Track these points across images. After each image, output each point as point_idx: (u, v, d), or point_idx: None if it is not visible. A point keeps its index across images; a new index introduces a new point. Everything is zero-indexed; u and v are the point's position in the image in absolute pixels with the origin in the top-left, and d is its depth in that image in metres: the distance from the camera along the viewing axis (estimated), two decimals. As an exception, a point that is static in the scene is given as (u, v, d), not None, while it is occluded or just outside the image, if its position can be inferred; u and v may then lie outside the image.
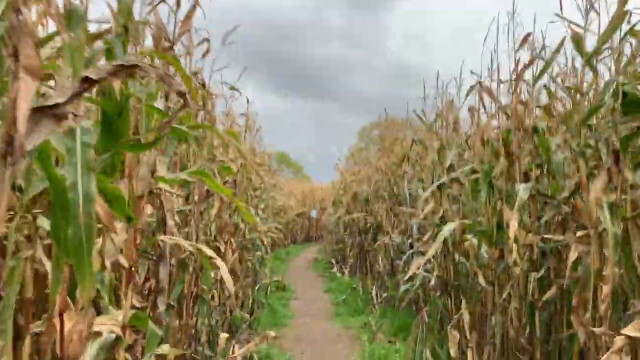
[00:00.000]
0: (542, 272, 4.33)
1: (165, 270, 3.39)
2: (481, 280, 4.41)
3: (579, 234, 3.47)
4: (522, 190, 4.12)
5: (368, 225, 10.68)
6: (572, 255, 3.47)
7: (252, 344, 4.64)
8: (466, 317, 4.59)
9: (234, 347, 5.61)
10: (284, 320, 8.26)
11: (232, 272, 6.10)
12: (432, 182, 6.24)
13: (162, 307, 3.30)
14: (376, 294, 9.25)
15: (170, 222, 3.40)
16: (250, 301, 8.26)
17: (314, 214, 27.55)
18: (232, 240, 6.23)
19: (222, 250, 5.82)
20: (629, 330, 2.60)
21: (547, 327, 4.56)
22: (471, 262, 4.60)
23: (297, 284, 12.67)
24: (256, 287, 9.61)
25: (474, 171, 4.84)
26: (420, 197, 7.38)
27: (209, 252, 3.07)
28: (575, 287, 3.53)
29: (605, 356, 2.59)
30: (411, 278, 6.16)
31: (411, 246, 7.76)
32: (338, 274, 13.52)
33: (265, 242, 9.00)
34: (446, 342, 4.97)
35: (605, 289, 3.16)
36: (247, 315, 6.96)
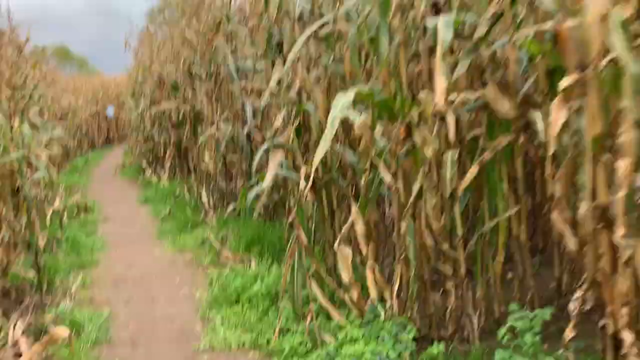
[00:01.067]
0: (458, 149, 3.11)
1: None
2: (385, 174, 3.03)
3: (566, 81, 2.18)
4: (443, 27, 2.68)
5: (182, 116, 8.62)
6: (557, 118, 2.20)
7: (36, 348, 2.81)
8: (359, 227, 3.25)
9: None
10: (91, 256, 6.19)
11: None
12: (272, 47, 4.53)
13: None
14: (208, 200, 7.59)
15: None
16: (36, 243, 5.97)
17: (110, 112, 23.75)
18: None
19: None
20: None
21: (469, 222, 3.50)
22: (365, 151, 3.15)
23: (105, 200, 10.29)
24: (46, 218, 7.20)
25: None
26: (256, 70, 5.65)
27: None
28: (554, 165, 2.33)
29: None
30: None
31: (249, 137, 6.12)
32: (154, 179, 11.39)
33: (43, 158, 6.50)
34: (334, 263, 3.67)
35: (623, 165, 1.97)
36: (31, 273, 4.76)
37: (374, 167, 3.08)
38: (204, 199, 7.59)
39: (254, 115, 6.01)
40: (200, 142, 7.71)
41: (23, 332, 3.97)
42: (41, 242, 6.01)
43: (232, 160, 6.56)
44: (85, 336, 3.87)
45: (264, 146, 3.79)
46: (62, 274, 5.46)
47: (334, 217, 4.06)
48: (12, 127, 6.14)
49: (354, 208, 3.27)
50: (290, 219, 3.88)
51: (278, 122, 4.22)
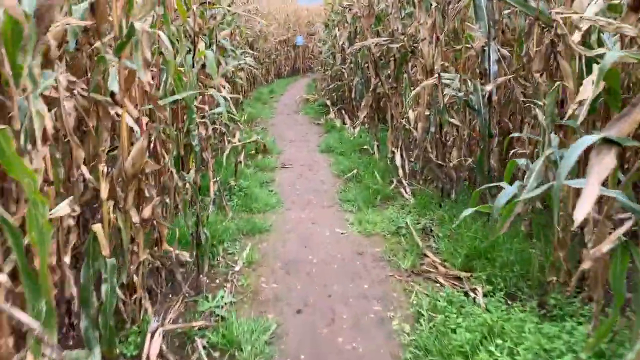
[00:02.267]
0: None
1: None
2: None
3: None
4: None
5: (386, 54, 6.98)
6: None
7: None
8: None
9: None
10: (263, 219, 5.12)
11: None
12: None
13: None
14: (402, 166, 6.04)
15: None
16: (212, 187, 5.06)
17: (299, 40, 23.21)
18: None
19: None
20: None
21: None
22: None
23: (284, 140, 9.40)
24: (224, 153, 6.39)
25: None
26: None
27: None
28: None
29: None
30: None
31: (489, 99, 4.28)
32: (337, 123, 10.19)
33: (223, 92, 5.52)
34: None
35: None
36: (186, 254, 3.69)
37: None
38: (397, 162, 6.05)
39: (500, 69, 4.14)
40: (405, 94, 6.09)
41: (163, 337, 2.93)
42: (211, 191, 5.14)
43: (454, 125, 4.81)
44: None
45: (589, 139, 2.00)
46: (228, 241, 4.45)
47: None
48: (193, 50, 5.15)
49: None
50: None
51: (584, 94, 2.38)
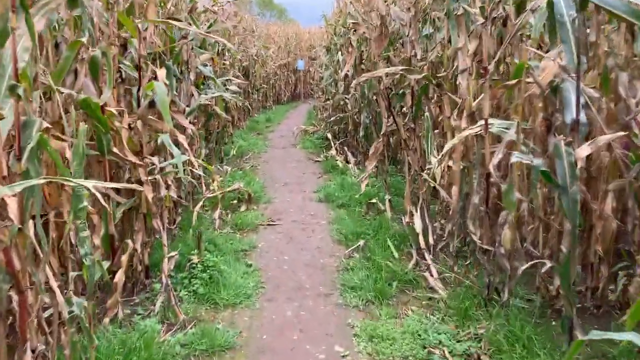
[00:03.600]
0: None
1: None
2: None
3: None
4: None
5: (398, 83, 5.52)
6: None
7: None
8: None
9: None
10: (231, 322, 3.56)
11: None
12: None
13: None
14: (424, 232, 4.52)
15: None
16: (164, 268, 3.57)
17: (300, 65, 21.92)
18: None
19: None
20: None
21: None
22: None
23: (276, 180, 7.91)
24: (192, 208, 4.95)
25: None
26: None
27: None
28: None
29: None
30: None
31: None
32: (339, 161, 8.69)
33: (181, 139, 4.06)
34: None
35: None
36: None
37: None
38: (417, 226, 4.51)
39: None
40: (429, 141, 4.61)
41: None
42: (163, 274, 3.63)
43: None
44: None
45: None
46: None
47: None
48: (138, 81, 3.70)
49: None
50: None
51: None
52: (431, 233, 4.63)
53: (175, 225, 5.25)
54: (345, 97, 9.69)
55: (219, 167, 7.68)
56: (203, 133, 6.41)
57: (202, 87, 6.69)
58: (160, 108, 3.62)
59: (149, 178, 3.76)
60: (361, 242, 4.76)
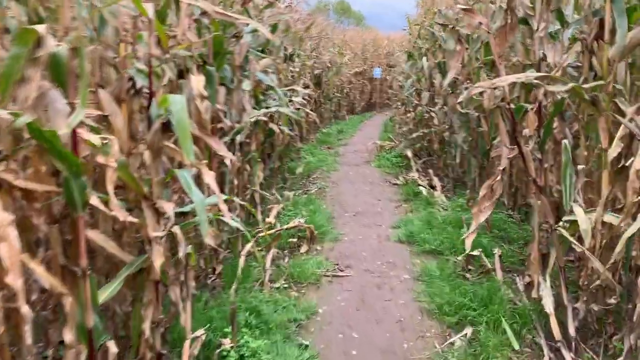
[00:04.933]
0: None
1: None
2: None
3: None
4: None
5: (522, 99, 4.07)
6: None
7: None
8: None
9: None
10: None
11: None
12: None
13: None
14: (561, 315, 3.04)
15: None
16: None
17: (377, 73, 20.56)
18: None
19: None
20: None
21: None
22: None
23: (346, 208, 6.64)
24: (239, 252, 3.79)
25: None
26: None
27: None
28: None
29: None
30: None
31: None
32: (422, 187, 7.25)
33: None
34: None
35: None
36: None
37: None
38: (548, 307, 3.04)
39: None
40: (567, 180, 3.15)
41: None
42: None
43: None
44: None
45: None
46: None
47: None
48: (149, 94, 2.56)
49: None
50: None
51: None
52: (571, 317, 3.14)
53: (214, 277, 4.09)
54: (431, 110, 8.26)
55: (276, 194, 6.49)
56: (257, 155, 5.24)
57: (261, 98, 5.56)
58: (177, 132, 2.44)
59: (162, 232, 2.59)
60: (467, 331, 3.33)
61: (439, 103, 7.70)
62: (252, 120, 4.16)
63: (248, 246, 4.26)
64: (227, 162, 3.48)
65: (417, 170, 8.33)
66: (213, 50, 4.08)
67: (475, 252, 4.22)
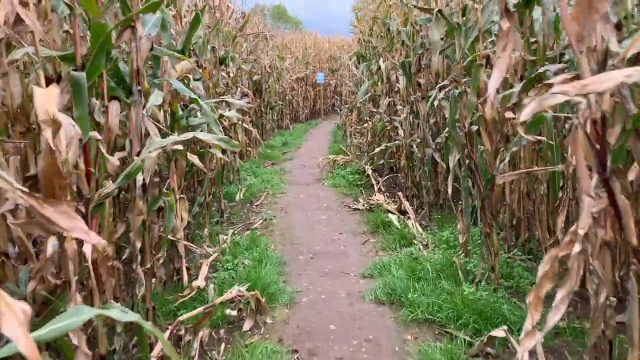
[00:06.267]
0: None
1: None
2: None
3: None
4: None
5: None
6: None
7: None
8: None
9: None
10: None
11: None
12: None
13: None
14: None
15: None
16: None
17: (320, 78, 19.31)
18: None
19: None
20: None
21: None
22: None
23: (300, 249, 5.20)
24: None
25: None
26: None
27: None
28: None
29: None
30: None
31: None
32: (391, 214, 5.92)
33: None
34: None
35: None
36: None
37: None
38: None
39: None
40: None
41: None
42: None
43: None
44: None
45: None
46: None
47: None
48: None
49: None
50: None
51: None
52: None
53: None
54: (392, 119, 7.00)
55: (207, 241, 4.96)
56: (177, 193, 3.70)
57: (179, 115, 4.03)
58: None
59: None
60: None
61: (403, 111, 6.43)
62: (155, 151, 2.63)
63: (158, 348, 2.77)
64: (86, 249, 1.94)
65: (381, 191, 7.02)
66: (92, 46, 2.54)
67: (499, 333, 2.89)
